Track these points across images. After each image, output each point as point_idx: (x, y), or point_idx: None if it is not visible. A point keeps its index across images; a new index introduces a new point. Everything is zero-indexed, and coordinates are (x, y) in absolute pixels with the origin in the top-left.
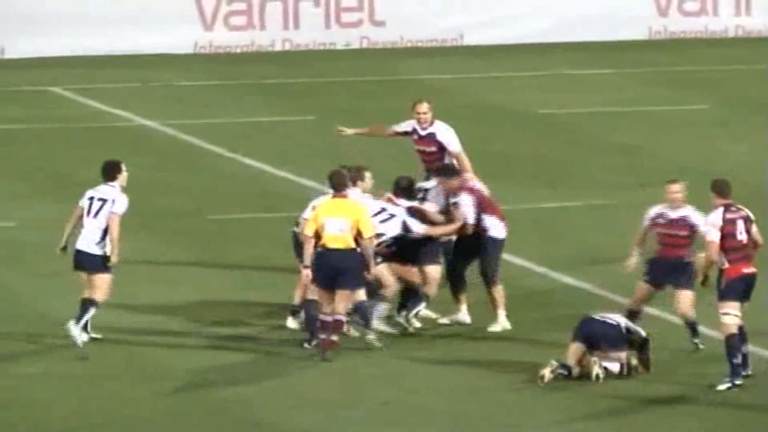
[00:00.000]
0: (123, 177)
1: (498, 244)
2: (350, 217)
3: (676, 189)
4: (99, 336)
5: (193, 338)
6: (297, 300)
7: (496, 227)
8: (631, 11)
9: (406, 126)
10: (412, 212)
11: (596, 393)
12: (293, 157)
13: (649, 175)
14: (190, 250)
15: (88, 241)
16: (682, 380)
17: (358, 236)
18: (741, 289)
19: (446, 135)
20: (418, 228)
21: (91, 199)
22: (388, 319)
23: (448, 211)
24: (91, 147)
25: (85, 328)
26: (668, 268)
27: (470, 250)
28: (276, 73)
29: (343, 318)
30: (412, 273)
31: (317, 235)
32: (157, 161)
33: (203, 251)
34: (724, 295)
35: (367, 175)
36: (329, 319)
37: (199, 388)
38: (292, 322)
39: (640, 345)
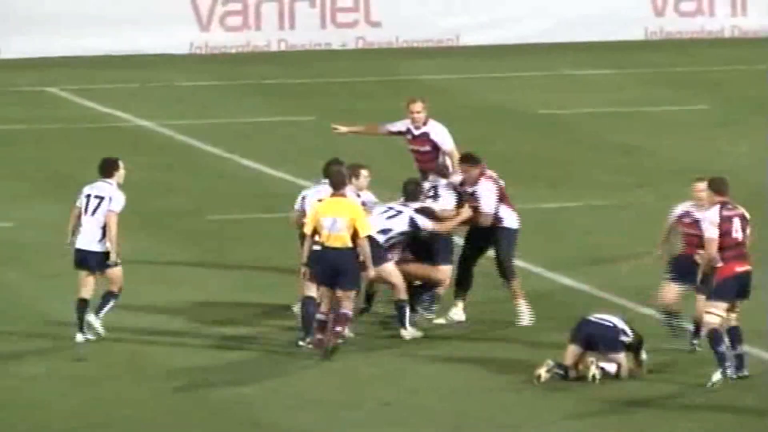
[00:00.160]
0: (120, 174)
1: (513, 234)
2: (347, 215)
3: (703, 188)
4: (93, 337)
5: (193, 338)
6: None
7: (510, 218)
8: (627, 12)
9: (401, 125)
10: (421, 212)
11: (596, 394)
12: (292, 157)
13: (649, 176)
14: (189, 251)
15: (89, 240)
16: (682, 381)
17: (354, 235)
18: (734, 289)
19: (440, 134)
20: (426, 224)
21: (88, 196)
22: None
23: (462, 204)
24: (89, 147)
25: (81, 328)
26: (692, 267)
27: (483, 242)
28: (273, 73)
29: (349, 312)
30: (427, 270)
31: (315, 233)
32: (154, 162)
33: (203, 252)
34: (714, 294)
35: (363, 173)
36: (325, 318)
37: (200, 388)
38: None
39: (635, 346)
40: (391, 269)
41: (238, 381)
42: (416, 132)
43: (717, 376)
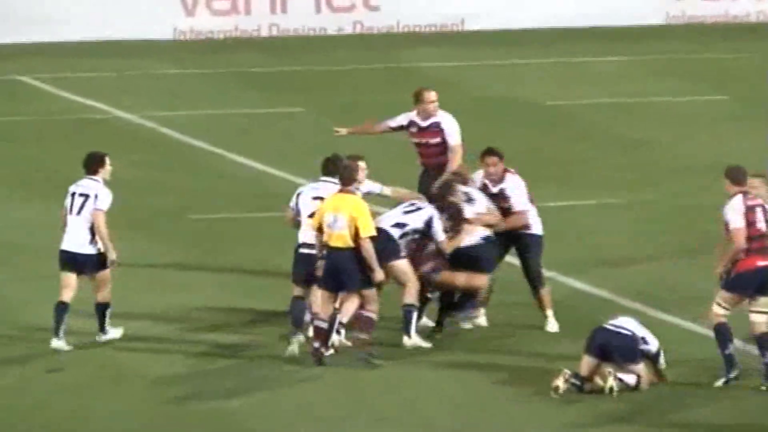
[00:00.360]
0: (106, 170)
1: (541, 240)
2: (348, 213)
3: (756, 184)
4: (68, 348)
5: (181, 346)
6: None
7: (537, 222)
8: None
9: (402, 119)
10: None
11: (609, 407)
12: (285, 152)
13: (661, 172)
14: (174, 253)
15: (77, 242)
16: (704, 395)
17: (356, 235)
18: (752, 283)
19: (451, 126)
20: (438, 234)
21: (73, 195)
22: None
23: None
24: (65, 141)
25: (57, 332)
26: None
27: (506, 248)
28: (263, 61)
29: (372, 315)
30: (469, 279)
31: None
32: (135, 157)
33: (188, 254)
34: (728, 287)
35: (361, 165)
36: (324, 326)
37: (187, 398)
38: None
39: (654, 354)
40: (403, 267)
41: (228, 391)
42: (424, 123)
43: (721, 381)
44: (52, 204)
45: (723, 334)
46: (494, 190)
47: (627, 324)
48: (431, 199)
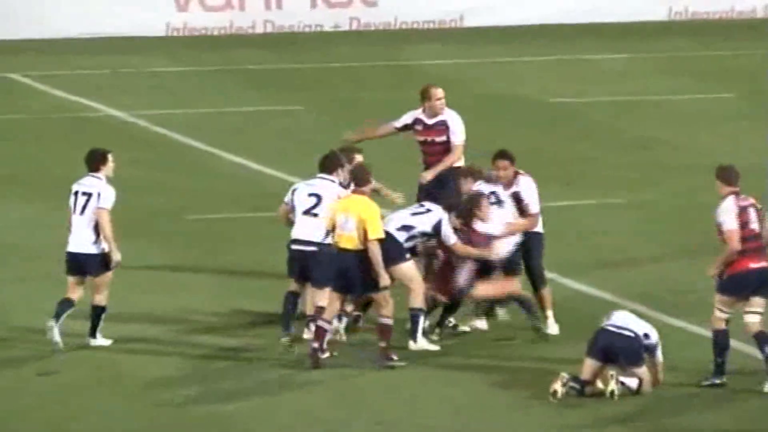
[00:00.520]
0: (109, 167)
1: (542, 239)
2: (357, 215)
3: None
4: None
5: (176, 348)
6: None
7: (540, 221)
8: None
9: (407, 119)
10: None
11: (609, 410)
12: (281, 150)
13: (666, 171)
14: (170, 254)
15: (81, 242)
16: (705, 398)
17: (365, 237)
18: (746, 285)
19: (458, 123)
20: (449, 237)
21: (76, 193)
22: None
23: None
24: (56, 139)
25: (56, 317)
26: None
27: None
28: (258, 58)
29: (388, 321)
30: (506, 286)
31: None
32: (128, 156)
33: (184, 255)
34: (723, 289)
35: (357, 158)
36: (326, 326)
37: (188, 400)
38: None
39: (653, 346)
40: (408, 271)
41: (227, 394)
42: (430, 121)
43: (707, 382)
44: (46, 204)
45: (720, 340)
46: (506, 194)
47: (628, 323)
48: (427, 194)
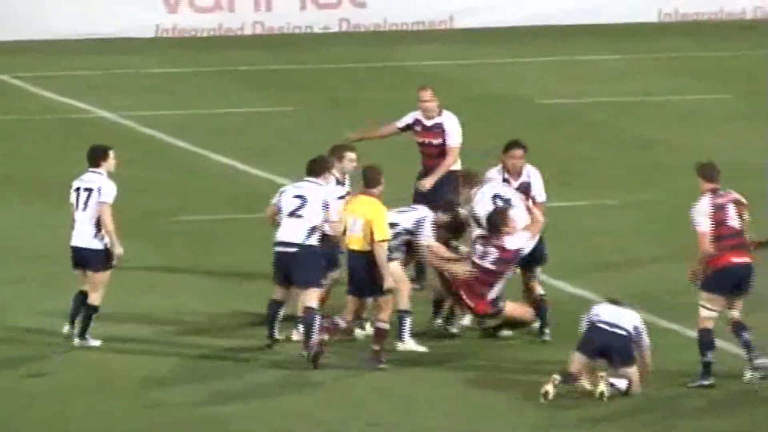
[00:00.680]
0: (110, 163)
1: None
2: (364, 216)
3: None
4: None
5: (168, 350)
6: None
7: None
8: None
9: (408, 119)
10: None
11: (600, 411)
12: (271, 152)
13: (663, 171)
14: (160, 255)
15: (83, 236)
16: (700, 401)
17: (371, 238)
18: (729, 281)
19: (453, 126)
20: (425, 237)
21: (77, 190)
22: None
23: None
24: (46, 141)
25: (72, 321)
26: None
27: None
28: (248, 59)
29: (383, 325)
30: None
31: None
32: (118, 156)
33: (175, 256)
34: (707, 287)
35: (348, 155)
36: (343, 323)
37: (182, 402)
38: (360, 333)
39: (642, 334)
40: (394, 271)
41: (221, 396)
42: (428, 123)
43: (695, 384)
44: (39, 205)
45: (705, 340)
46: (515, 184)
47: (619, 320)
48: (423, 198)
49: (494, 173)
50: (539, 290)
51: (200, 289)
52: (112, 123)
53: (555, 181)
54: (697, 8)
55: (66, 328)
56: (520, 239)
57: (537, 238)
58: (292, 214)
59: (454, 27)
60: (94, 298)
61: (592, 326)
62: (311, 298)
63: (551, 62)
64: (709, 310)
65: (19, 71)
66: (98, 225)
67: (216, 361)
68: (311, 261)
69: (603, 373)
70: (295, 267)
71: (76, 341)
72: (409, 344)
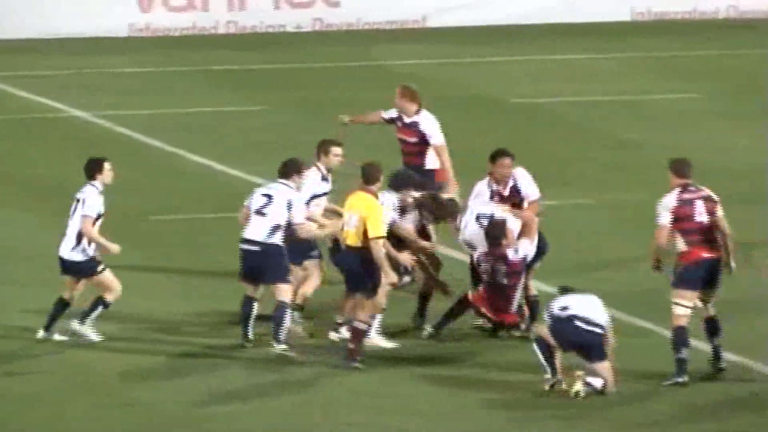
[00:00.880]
0: (105, 175)
1: None
2: (359, 212)
3: None
4: (62, 338)
5: (145, 351)
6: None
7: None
8: None
9: (393, 113)
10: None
11: (575, 411)
12: (244, 151)
13: (639, 171)
14: (132, 255)
15: (66, 247)
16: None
17: (366, 236)
18: (700, 277)
19: (429, 126)
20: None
21: (74, 199)
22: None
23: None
24: (19, 140)
25: (47, 327)
26: None
27: None
28: (221, 58)
29: (360, 325)
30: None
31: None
32: (88, 156)
33: (148, 255)
34: (679, 283)
35: (334, 150)
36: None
37: (155, 402)
38: (334, 336)
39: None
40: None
41: (193, 396)
42: (407, 120)
43: (669, 382)
44: (13, 206)
45: (679, 337)
46: (506, 192)
47: (595, 317)
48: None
49: (483, 187)
50: (533, 291)
51: (175, 289)
52: (85, 122)
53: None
54: (670, 7)
55: (41, 333)
56: (522, 248)
57: (536, 237)
58: (257, 211)
59: (428, 26)
60: (107, 297)
61: (570, 324)
62: (281, 292)
63: (525, 61)
64: (682, 307)
65: None
66: (80, 236)
67: (191, 360)
68: (274, 259)
69: (580, 372)
70: (258, 265)
71: (75, 324)
72: (375, 339)
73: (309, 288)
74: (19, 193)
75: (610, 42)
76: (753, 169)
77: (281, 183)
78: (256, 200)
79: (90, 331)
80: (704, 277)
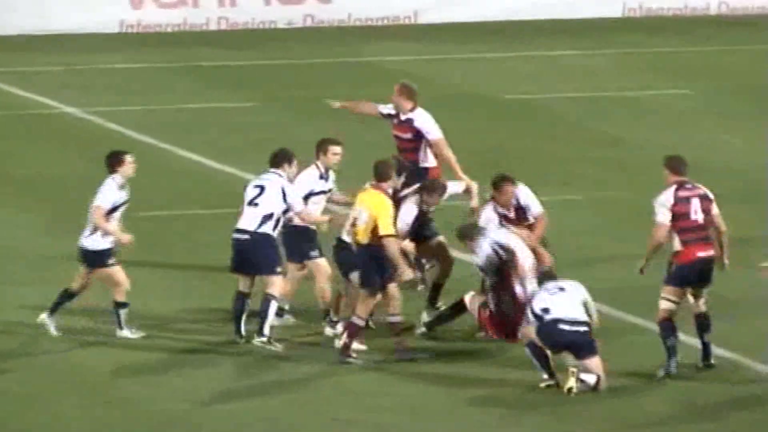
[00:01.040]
0: (125, 168)
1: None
2: (369, 210)
3: None
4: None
5: (135, 348)
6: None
7: None
8: None
9: (391, 108)
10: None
11: (568, 410)
12: (235, 147)
13: (629, 167)
14: (124, 250)
15: (83, 234)
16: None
17: (376, 233)
18: (694, 275)
19: (424, 122)
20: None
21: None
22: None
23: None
24: (9, 137)
25: (51, 311)
26: None
27: None
28: (212, 55)
29: (357, 321)
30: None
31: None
32: (82, 152)
33: (138, 251)
34: (670, 279)
35: (332, 149)
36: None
37: (140, 399)
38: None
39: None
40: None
41: (180, 394)
42: (402, 117)
43: (661, 372)
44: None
45: (667, 328)
46: (512, 214)
47: (576, 315)
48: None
49: (490, 213)
50: None
51: (165, 285)
52: (77, 119)
53: (518, 176)
54: (662, 3)
55: (42, 316)
56: (530, 285)
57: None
58: (250, 202)
59: (419, 22)
60: (114, 295)
61: (556, 328)
62: (271, 284)
63: (517, 58)
64: (669, 302)
65: None
66: (94, 227)
67: (177, 358)
68: (263, 248)
69: (573, 369)
70: (247, 254)
71: (119, 333)
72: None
73: (324, 286)
74: (10, 191)
75: (602, 38)
76: (747, 167)
77: (272, 172)
78: (250, 192)
79: (129, 333)
80: (698, 276)
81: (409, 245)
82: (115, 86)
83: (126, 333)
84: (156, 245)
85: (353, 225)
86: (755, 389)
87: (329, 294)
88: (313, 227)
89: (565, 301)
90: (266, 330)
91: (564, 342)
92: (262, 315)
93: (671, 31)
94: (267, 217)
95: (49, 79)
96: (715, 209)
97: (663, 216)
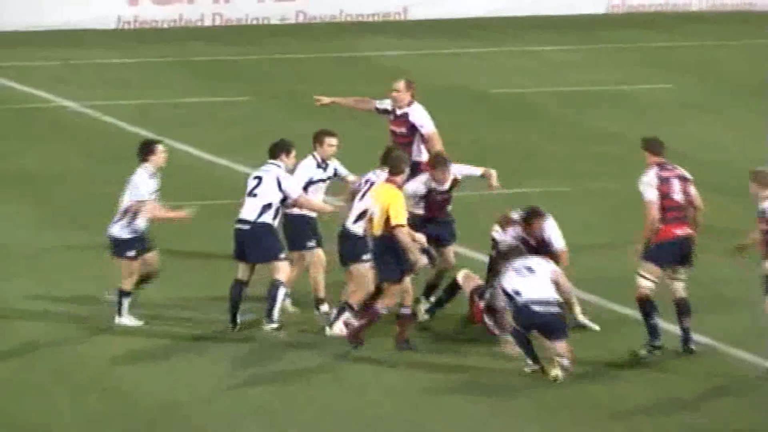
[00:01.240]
0: (158, 157)
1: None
2: (381, 202)
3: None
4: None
5: (124, 339)
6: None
7: None
8: None
9: (387, 104)
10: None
11: (555, 399)
12: (230, 141)
13: (613, 161)
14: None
15: (112, 222)
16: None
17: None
18: (672, 253)
19: (418, 116)
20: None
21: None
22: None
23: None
24: (7, 131)
25: (119, 312)
26: None
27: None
28: (207, 50)
29: (379, 308)
30: None
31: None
32: (78, 146)
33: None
34: (648, 257)
35: (328, 140)
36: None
37: (133, 389)
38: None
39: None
40: (364, 271)
41: (172, 383)
42: (398, 112)
43: (644, 351)
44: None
45: (647, 305)
46: (534, 242)
47: (547, 295)
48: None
49: (511, 235)
50: None
51: (162, 275)
52: (73, 113)
53: (502, 170)
54: (644, 0)
55: (116, 319)
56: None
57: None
58: (249, 193)
59: (409, 18)
60: (123, 284)
61: (524, 309)
62: (277, 271)
63: (505, 53)
64: (646, 280)
65: None
66: (123, 214)
67: (170, 347)
68: (264, 237)
69: (558, 357)
70: (248, 244)
71: (116, 319)
72: (336, 329)
73: (318, 277)
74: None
75: (586, 34)
76: (730, 159)
77: (270, 163)
78: (249, 183)
79: (128, 321)
80: (676, 255)
81: (421, 237)
82: (112, 81)
83: (125, 320)
84: (153, 236)
85: (369, 221)
86: (737, 376)
87: (322, 285)
88: (313, 215)
89: (535, 283)
90: (275, 315)
91: (538, 323)
92: (270, 301)
93: (654, 27)
94: (266, 207)
95: (46, 74)
96: (693, 189)
97: (650, 194)
